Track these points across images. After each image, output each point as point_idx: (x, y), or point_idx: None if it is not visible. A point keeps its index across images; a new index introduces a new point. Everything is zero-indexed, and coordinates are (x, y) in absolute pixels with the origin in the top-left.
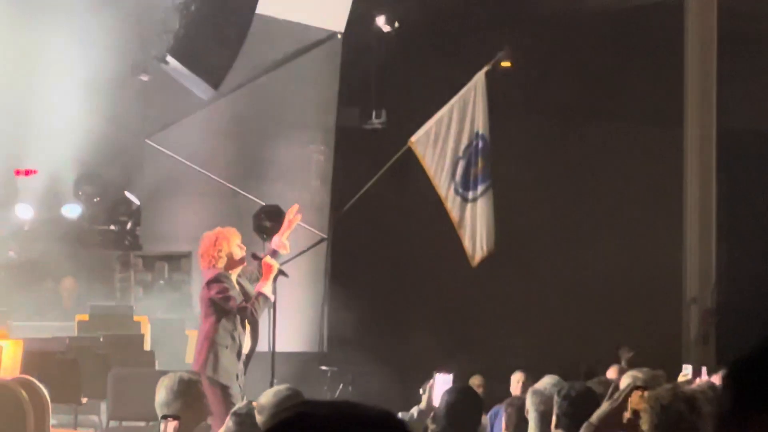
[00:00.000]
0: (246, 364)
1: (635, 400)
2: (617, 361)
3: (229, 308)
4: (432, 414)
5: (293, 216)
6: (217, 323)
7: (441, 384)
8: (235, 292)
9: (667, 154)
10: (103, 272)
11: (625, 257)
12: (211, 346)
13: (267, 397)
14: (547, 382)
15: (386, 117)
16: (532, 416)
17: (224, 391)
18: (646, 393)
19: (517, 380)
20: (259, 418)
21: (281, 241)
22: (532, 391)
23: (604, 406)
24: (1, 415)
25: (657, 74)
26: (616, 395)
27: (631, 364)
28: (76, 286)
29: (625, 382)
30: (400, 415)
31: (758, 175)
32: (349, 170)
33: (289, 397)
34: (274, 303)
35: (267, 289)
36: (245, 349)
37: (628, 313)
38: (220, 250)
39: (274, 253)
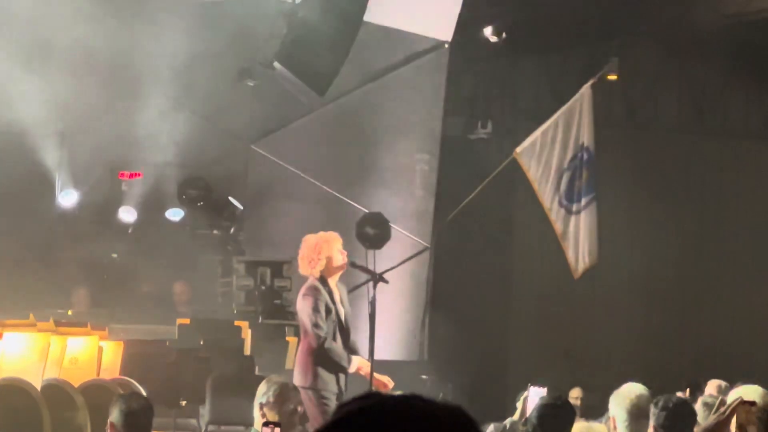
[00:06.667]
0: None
1: (742, 414)
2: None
3: (312, 334)
4: (524, 419)
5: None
6: None
7: (535, 397)
8: (324, 317)
9: None
10: (204, 277)
11: (732, 271)
12: (315, 361)
13: None
14: (628, 386)
15: (492, 127)
16: (618, 416)
17: (330, 402)
18: (754, 408)
19: (575, 397)
20: None
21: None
22: (615, 394)
23: (711, 419)
24: (100, 415)
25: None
26: (723, 408)
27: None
28: (186, 290)
29: (732, 397)
30: (492, 425)
31: None
32: (453, 180)
33: None
34: (374, 311)
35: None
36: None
37: (733, 330)
38: (320, 254)
39: None
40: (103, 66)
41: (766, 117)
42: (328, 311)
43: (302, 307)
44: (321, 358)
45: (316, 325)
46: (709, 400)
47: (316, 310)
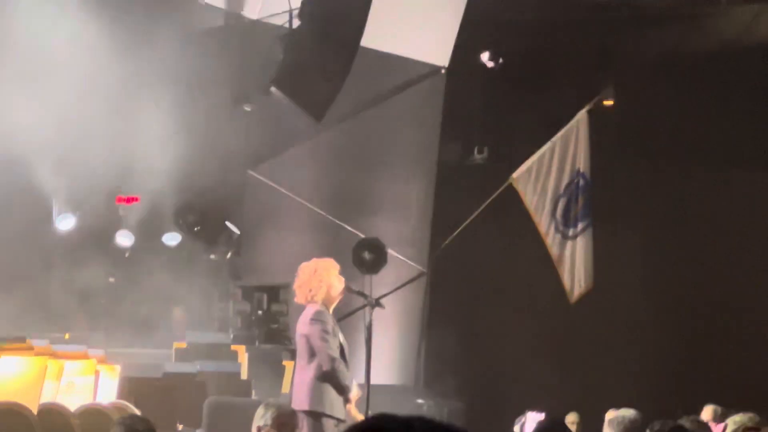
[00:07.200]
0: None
1: None
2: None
3: (327, 356)
4: None
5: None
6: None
7: (532, 422)
8: (334, 341)
9: None
10: (201, 301)
11: (724, 298)
12: (323, 384)
13: None
14: (622, 411)
15: (488, 153)
16: None
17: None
18: None
19: (571, 421)
20: None
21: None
22: (609, 420)
23: None
24: None
25: (763, 118)
26: None
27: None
28: (183, 315)
29: (732, 425)
30: None
31: None
32: (449, 205)
33: None
34: (370, 336)
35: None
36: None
37: (727, 355)
38: (320, 281)
39: None
40: (101, 91)
41: (762, 144)
42: (334, 336)
43: (312, 331)
44: (330, 381)
45: (330, 348)
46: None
47: (327, 332)
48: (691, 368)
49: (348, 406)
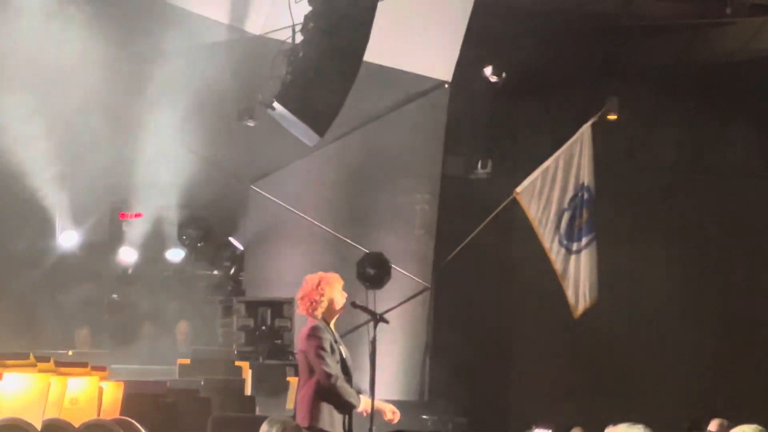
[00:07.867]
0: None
1: None
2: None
3: (324, 374)
4: None
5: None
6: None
7: None
8: (332, 357)
9: None
10: (205, 317)
11: (731, 312)
12: (323, 401)
13: None
14: (628, 428)
15: (492, 167)
16: None
17: None
18: None
19: None
20: None
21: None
22: None
23: None
24: None
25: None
26: None
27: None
28: (187, 331)
29: None
30: None
31: None
32: (453, 219)
33: None
34: (374, 351)
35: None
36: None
37: (735, 365)
38: (322, 295)
39: None
40: (104, 106)
41: (765, 155)
42: (332, 352)
43: (308, 347)
44: (329, 398)
45: (326, 365)
46: None
47: (324, 349)
48: (699, 381)
49: (363, 410)
